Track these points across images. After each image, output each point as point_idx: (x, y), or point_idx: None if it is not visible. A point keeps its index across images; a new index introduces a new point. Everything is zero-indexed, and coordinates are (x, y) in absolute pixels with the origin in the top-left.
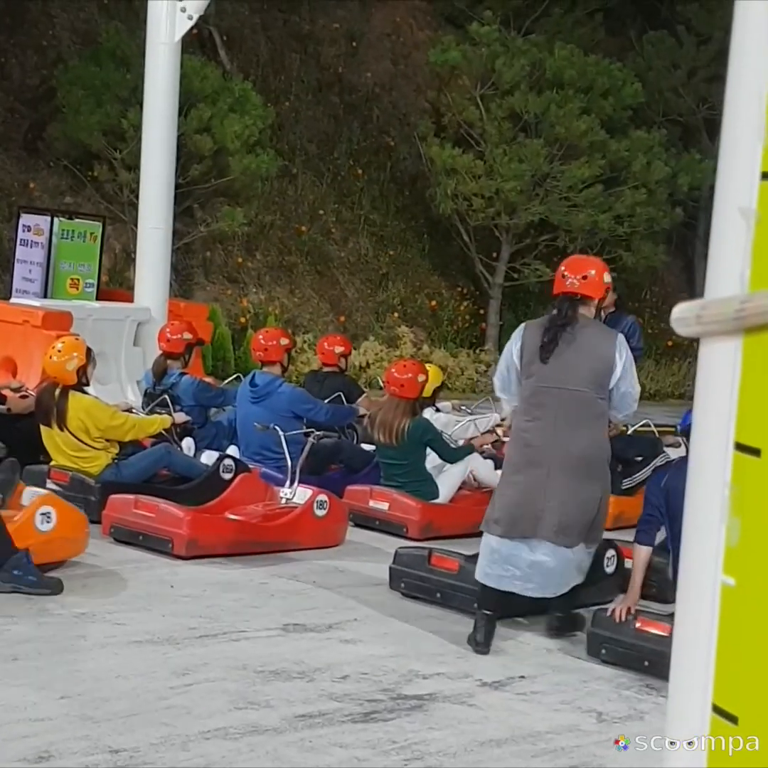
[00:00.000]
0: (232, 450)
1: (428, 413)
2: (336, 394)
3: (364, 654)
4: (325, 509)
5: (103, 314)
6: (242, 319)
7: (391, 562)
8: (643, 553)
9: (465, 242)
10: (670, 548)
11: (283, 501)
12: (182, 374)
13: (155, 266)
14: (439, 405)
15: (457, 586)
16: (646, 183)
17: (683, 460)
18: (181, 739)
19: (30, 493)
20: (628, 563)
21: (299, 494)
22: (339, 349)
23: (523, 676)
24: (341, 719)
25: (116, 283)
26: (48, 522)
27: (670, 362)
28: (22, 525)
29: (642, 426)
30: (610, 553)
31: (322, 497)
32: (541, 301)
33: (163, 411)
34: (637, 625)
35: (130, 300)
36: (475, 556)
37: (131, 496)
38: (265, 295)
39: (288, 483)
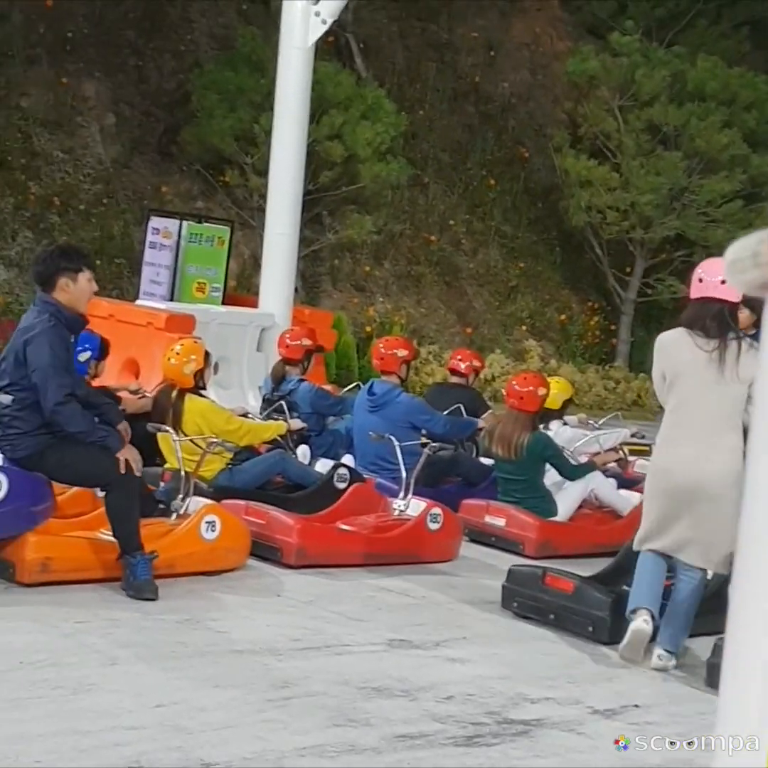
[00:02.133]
0: (348, 459)
1: (555, 426)
2: (456, 406)
3: (471, 674)
4: (438, 523)
5: (227, 319)
6: (368, 328)
7: (504, 580)
8: None
9: (597, 256)
10: None
11: (396, 513)
12: (301, 381)
13: (280, 272)
14: (566, 418)
15: (571, 608)
16: None
17: None
18: (275, 754)
19: (195, 502)
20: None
21: (413, 506)
22: (475, 363)
23: (637, 705)
24: (443, 742)
25: (243, 289)
26: (213, 531)
27: None
28: (187, 532)
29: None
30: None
31: (436, 510)
32: (675, 317)
33: (280, 417)
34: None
35: (256, 306)
36: (591, 578)
37: (242, 502)
38: (391, 304)
39: (402, 494)
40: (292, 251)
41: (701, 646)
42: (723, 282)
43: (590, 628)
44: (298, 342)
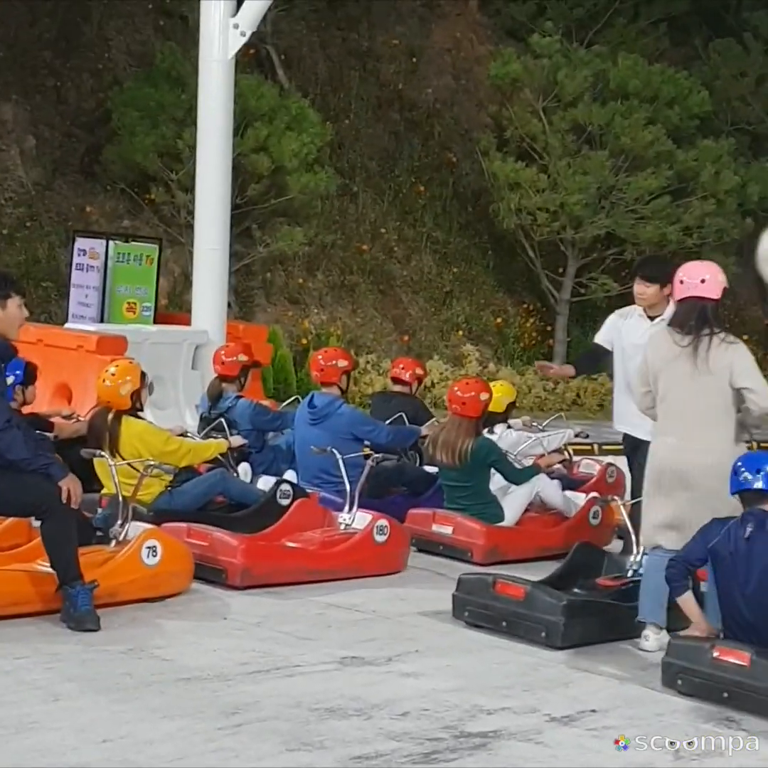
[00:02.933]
0: (290, 475)
1: (500, 429)
2: (398, 415)
3: (426, 688)
4: (385, 534)
5: (160, 338)
6: (304, 341)
7: (454, 589)
8: (687, 599)
9: (530, 258)
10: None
11: (342, 527)
12: (239, 397)
13: (212, 288)
14: (510, 422)
15: (523, 614)
16: (715, 193)
17: (734, 526)
18: None
19: (134, 527)
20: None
21: (359, 519)
22: (418, 371)
23: (594, 710)
24: (400, 760)
25: (175, 307)
26: (154, 556)
27: None
28: (128, 559)
29: None
30: None
31: (383, 522)
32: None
33: (219, 435)
34: (715, 654)
35: (189, 323)
36: (542, 583)
37: (183, 525)
38: (327, 315)
39: (347, 508)
40: (223, 266)
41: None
42: (703, 281)
43: (543, 634)
44: (234, 358)
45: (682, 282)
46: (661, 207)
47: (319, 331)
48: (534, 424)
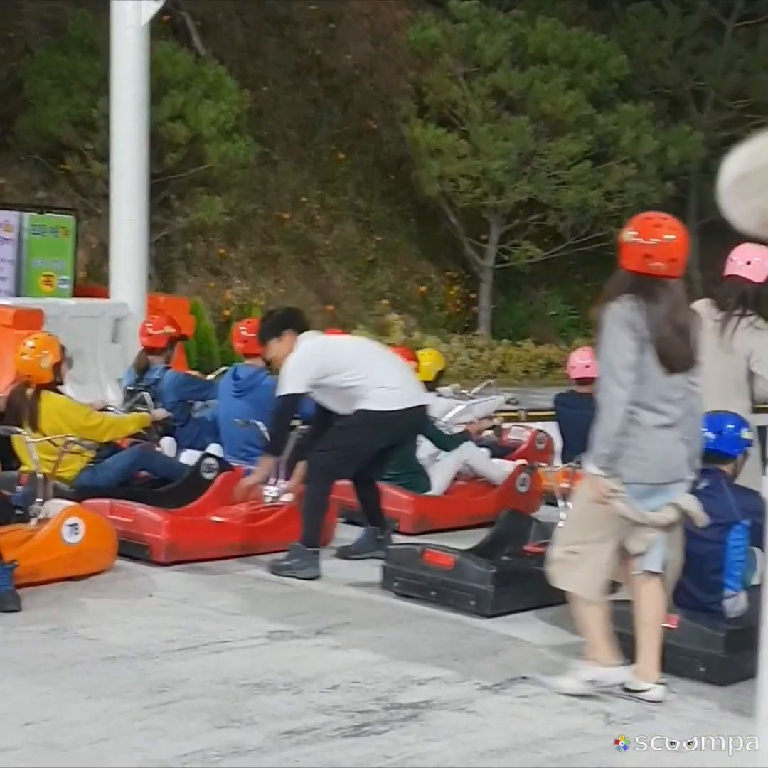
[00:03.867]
0: (215, 448)
1: (430, 397)
2: None
3: (355, 661)
4: None
5: (79, 311)
6: (226, 312)
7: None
8: None
9: (453, 225)
10: None
11: (269, 500)
12: (166, 369)
13: (131, 260)
14: (440, 390)
15: (452, 583)
16: (635, 157)
17: None
18: (156, 764)
19: (55, 505)
20: None
21: (283, 490)
22: None
23: (524, 678)
24: (331, 734)
25: (94, 279)
26: (76, 534)
27: None
28: (49, 537)
29: None
30: None
31: None
32: (533, 282)
33: (143, 408)
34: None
35: (108, 296)
36: (470, 551)
37: (106, 501)
38: (249, 286)
39: (273, 480)
40: (142, 237)
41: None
42: (748, 263)
43: (473, 602)
44: (161, 331)
45: (731, 260)
46: (582, 172)
47: (242, 302)
48: (464, 391)
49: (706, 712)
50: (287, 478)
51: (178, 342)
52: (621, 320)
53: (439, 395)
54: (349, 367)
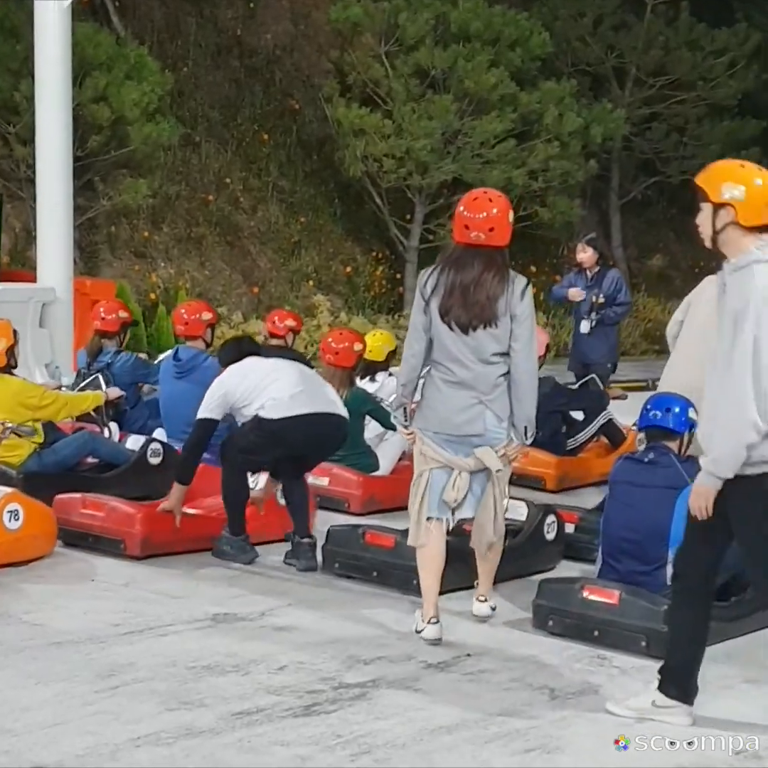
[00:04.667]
0: (160, 433)
1: (382, 377)
2: None
3: (301, 642)
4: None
5: (4, 296)
6: (152, 295)
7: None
8: None
9: (377, 205)
10: None
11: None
12: (118, 353)
13: (57, 244)
14: (391, 370)
15: (392, 564)
16: (559, 135)
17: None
18: (109, 748)
19: None
20: (568, 528)
21: (262, 482)
22: (290, 323)
23: (469, 655)
24: (281, 714)
25: (18, 264)
26: (16, 520)
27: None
28: None
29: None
30: (551, 519)
31: None
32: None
33: (95, 390)
34: (584, 594)
35: (34, 280)
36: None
37: (78, 495)
38: (174, 269)
39: (252, 477)
40: (68, 221)
41: (525, 588)
42: None
43: (414, 582)
44: (114, 315)
45: None
46: (506, 151)
47: (168, 285)
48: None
49: (648, 686)
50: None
51: (130, 326)
52: (418, 285)
53: (391, 375)
54: (250, 398)
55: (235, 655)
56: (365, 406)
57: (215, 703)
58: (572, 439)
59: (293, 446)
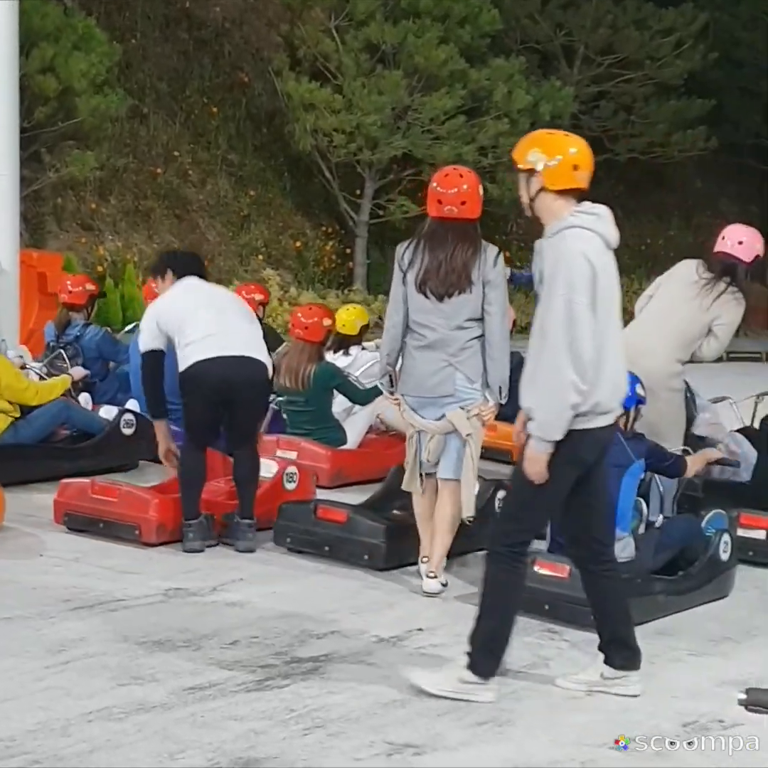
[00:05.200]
0: (133, 404)
1: (355, 351)
2: None
3: (253, 616)
4: (295, 482)
5: None
6: (99, 268)
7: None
8: None
9: (327, 179)
10: None
11: None
12: (87, 325)
13: (3, 216)
14: (364, 344)
15: (345, 539)
16: (508, 113)
17: None
18: (60, 723)
19: None
20: None
21: (264, 466)
22: (258, 297)
23: (421, 629)
24: (233, 689)
25: None
26: None
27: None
28: None
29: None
30: (501, 494)
31: (292, 469)
32: (408, 237)
33: (62, 364)
34: (535, 568)
35: None
36: (362, 506)
37: (87, 480)
38: (122, 241)
39: None
40: (14, 193)
41: (476, 563)
42: (740, 243)
43: (366, 556)
44: (81, 287)
45: (722, 238)
46: (456, 127)
47: (115, 258)
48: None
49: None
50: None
51: (97, 299)
52: (395, 259)
53: (364, 349)
54: (180, 329)
55: (186, 630)
56: (333, 380)
57: (167, 678)
58: None
59: (210, 391)
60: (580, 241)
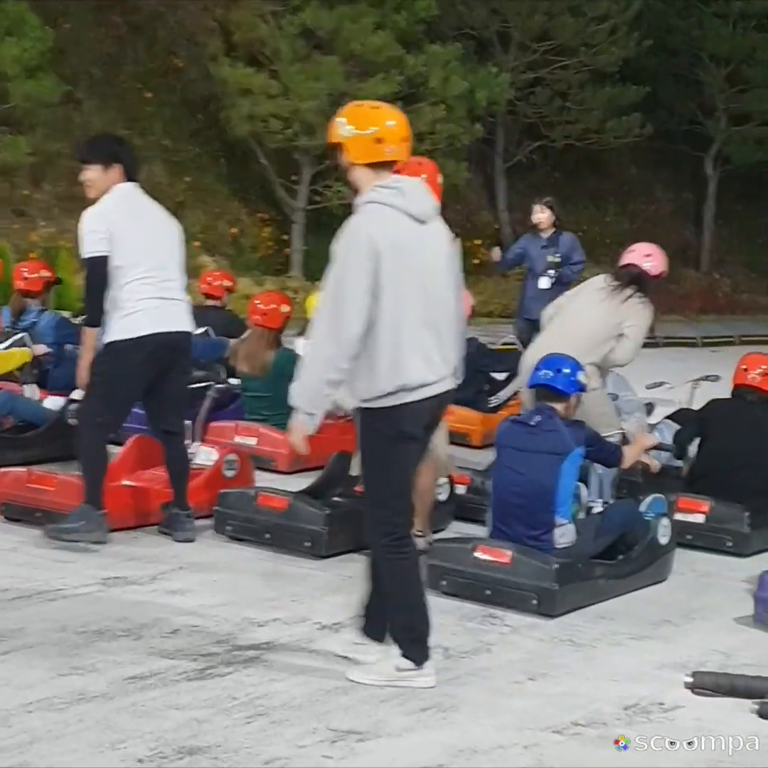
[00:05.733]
0: (79, 394)
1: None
2: (204, 329)
3: (193, 605)
4: (235, 469)
5: None
6: (32, 255)
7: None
8: None
9: (263, 166)
10: None
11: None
12: (42, 311)
13: None
14: None
15: (286, 526)
16: (445, 99)
17: (517, 420)
18: (1, 714)
19: None
20: (459, 490)
21: (202, 454)
22: (226, 284)
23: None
24: (175, 678)
25: None
26: None
27: (476, 281)
28: None
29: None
30: (442, 480)
31: (232, 456)
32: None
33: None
34: (477, 554)
35: None
36: (303, 493)
37: (23, 469)
38: (55, 227)
39: (188, 442)
40: None
41: None
42: (647, 256)
43: (308, 544)
44: (37, 274)
45: (631, 251)
46: None
47: (48, 245)
48: None
49: (539, 643)
50: (203, 441)
51: (53, 285)
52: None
53: None
54: (126, 260)
55: (126, 619)
56: (292, 367)
57: (107, 667)
58: (494, 397)
59: (153, 370)
60: (370, 218)
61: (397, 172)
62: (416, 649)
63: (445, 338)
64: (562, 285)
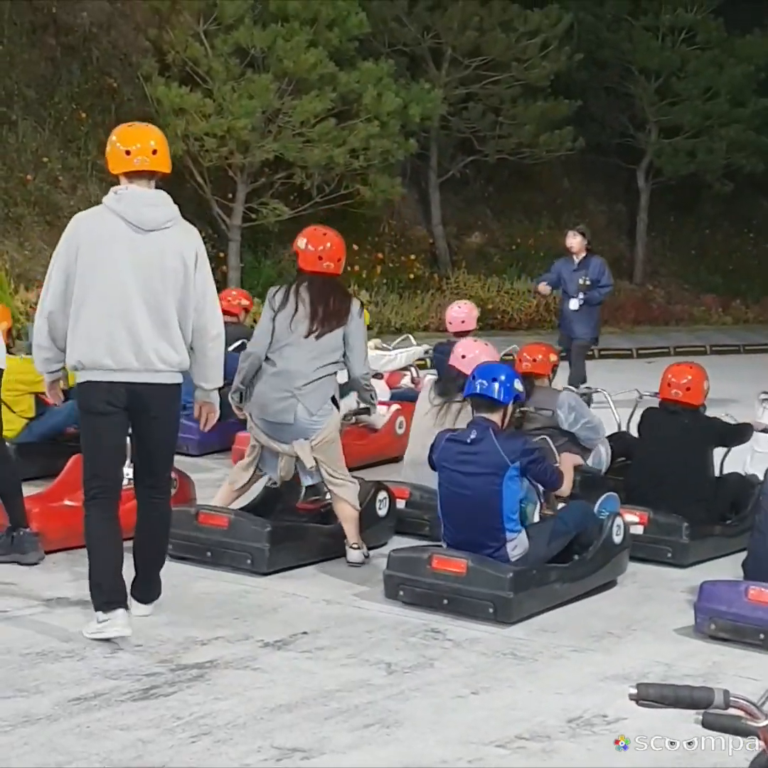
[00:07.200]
0: None
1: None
2: (240, 342)
3: (136, 624)
4: (174, 487)
5: None
6: None
7: None
8: None
9: (199, 184)
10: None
11: (127, 481)
12: None
13: None
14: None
15: (227, 543)
16: (378, 115)
17: (454, 438)
18: None
19: None
20: (399, 504)
21: None
22: (244, 302)
23: (305, 632)
24: (119, 698)
25: None
26: None
27: (412, 295)
28: None
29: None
30: (382, 495)
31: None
32: (281, 240)
33: None
34: (433, 563)
35: None
36: (244, 510)
37: None
38: None
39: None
40: None
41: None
42: (463, 356)
43: (249, 561)
44: None
45: (463, 356)
46: (326, 130)
47: None
48: (384, 345)
49: (482, 657)
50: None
51: None
52: (267, 298)
53: None
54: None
55: (69, 640)
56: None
57: (51, 689)
58: None
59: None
60: (87, 216)
61: (310, 241)
62: (99, 596)
63: (145, 338)
64: (591, 307)
